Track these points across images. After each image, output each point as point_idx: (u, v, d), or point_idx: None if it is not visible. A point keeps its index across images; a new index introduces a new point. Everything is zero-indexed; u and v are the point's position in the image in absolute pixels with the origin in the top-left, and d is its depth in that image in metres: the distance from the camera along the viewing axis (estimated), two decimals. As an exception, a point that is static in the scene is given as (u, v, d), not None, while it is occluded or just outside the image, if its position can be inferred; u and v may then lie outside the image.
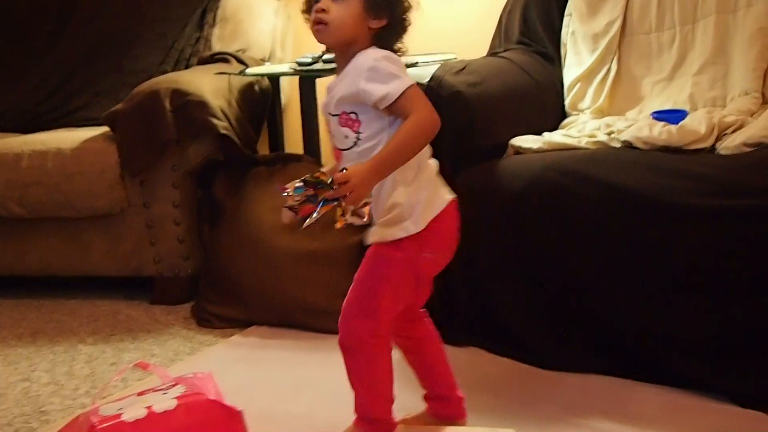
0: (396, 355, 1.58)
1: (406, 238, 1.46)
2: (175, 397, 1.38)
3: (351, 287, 1.51)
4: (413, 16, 1.51)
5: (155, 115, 2.42)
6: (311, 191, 1.34)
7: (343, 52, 1.48)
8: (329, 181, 1.33)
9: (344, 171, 1.34)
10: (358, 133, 1.46)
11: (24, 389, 2.03)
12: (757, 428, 1.61)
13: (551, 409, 1.74)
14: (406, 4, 1.50)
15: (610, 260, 1.84)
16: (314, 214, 1.33)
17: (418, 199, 1.47)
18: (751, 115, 2.06)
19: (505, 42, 2.61)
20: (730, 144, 1.88)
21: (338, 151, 1.52)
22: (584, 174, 1.88)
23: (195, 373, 1.57)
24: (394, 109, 1.43)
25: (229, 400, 1.78)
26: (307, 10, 1.50)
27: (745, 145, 1.85)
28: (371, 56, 1.44)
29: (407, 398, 1.81)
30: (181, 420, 1.35)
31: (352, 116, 1.46)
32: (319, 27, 1.46)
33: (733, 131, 1.95)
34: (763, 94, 2.18)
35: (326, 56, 2.54)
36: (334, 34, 1.45)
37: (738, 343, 1.71)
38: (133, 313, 2.54)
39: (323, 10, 1.44)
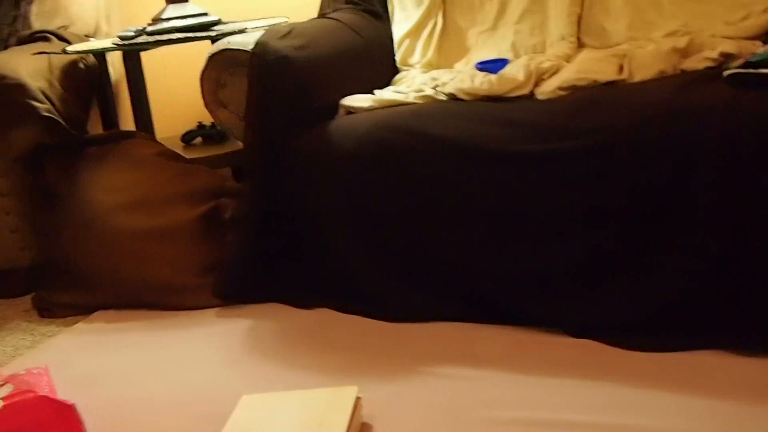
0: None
1: None
2: (2, 398, 1.33)
3: None
4: None
5: (-31, 102, 2.30)
6: None
7: None
8: None
9: None
10: None
11: None
12: (587, 355, 1.71)
13: (398, 361, 1.78)
14: None
15: (445, 210, 1.89)
16: None
17: None
18: (568, 60, 2.14)
19: (334, 2, 2.61)
20: (546, 89, 1.95)
21: None
22: (411, 129, 1.91)
23: (28, 369, 1.52)
24: None
25: (71, 391, 1.75)
26: None
27: (560, 89, 1.92)
28: None
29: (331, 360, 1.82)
30: (8, 420, 1.31)
31: None
32: None
33: (550, 76, 2.02)
34: (579, 39, 2.27)
35: (150, 28, 2.47)
36: None
37: (566, 278, 1.80)
38: (-31, 311, 2.43)
39: None
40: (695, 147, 1.64)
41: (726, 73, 1.74)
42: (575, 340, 1.77)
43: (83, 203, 2.35)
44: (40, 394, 1.36)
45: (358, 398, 1.53)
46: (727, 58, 1.89)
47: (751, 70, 1.70)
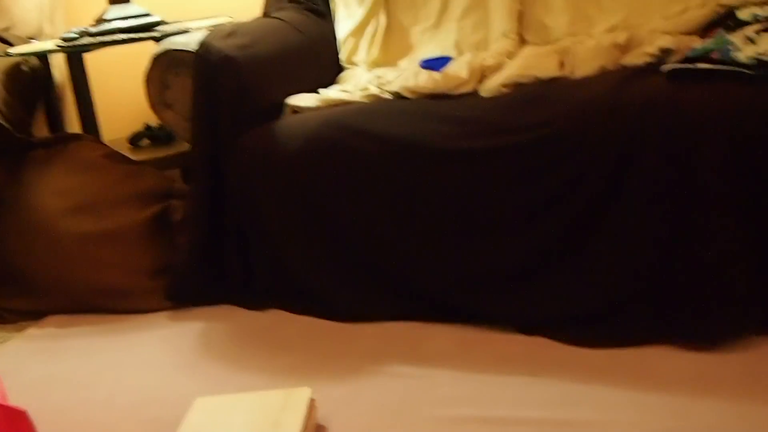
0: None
1: None
2: (-50, 408, 1.32)
3: None
4: None
5: None
6: None
7: None
8: None
9: None
10: None
11: None
12: (536, 351, 1.73)
13: (350, 361, 1.79)
14: None
15: (393, 208, 1.91)
16: None
17: None
18: (510, 57, 2.16)
19: (277, 2, 2.60)
20: (490, 86, 1.97)
21: None
22: (358, 127, 1.92)
23: (-23, 378, 1.50)
24: None
25: (23, 397, 1.74)
26: None
27: (504, 86, 1.95)
28: None
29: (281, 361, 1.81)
30: (-43, 431, 1.29)
31: None
32: None
33: (493, 73, 2.04)
34: (520, 35, 2.29)
35: (92, 29, 2.44)
36: None
37: (514, 274, 1.82)
38: None
39: None
40: (635, 140, 1.67)
41: (664, 68, 1.78)
42: (525, 336, 1.79)
43: (30, 207, 2.32)
44: (-10, 404, 1.35)
45: (312, 400, 1.54)
46: (665, 53, 1.93)
47: (689, 65, 1.74)
